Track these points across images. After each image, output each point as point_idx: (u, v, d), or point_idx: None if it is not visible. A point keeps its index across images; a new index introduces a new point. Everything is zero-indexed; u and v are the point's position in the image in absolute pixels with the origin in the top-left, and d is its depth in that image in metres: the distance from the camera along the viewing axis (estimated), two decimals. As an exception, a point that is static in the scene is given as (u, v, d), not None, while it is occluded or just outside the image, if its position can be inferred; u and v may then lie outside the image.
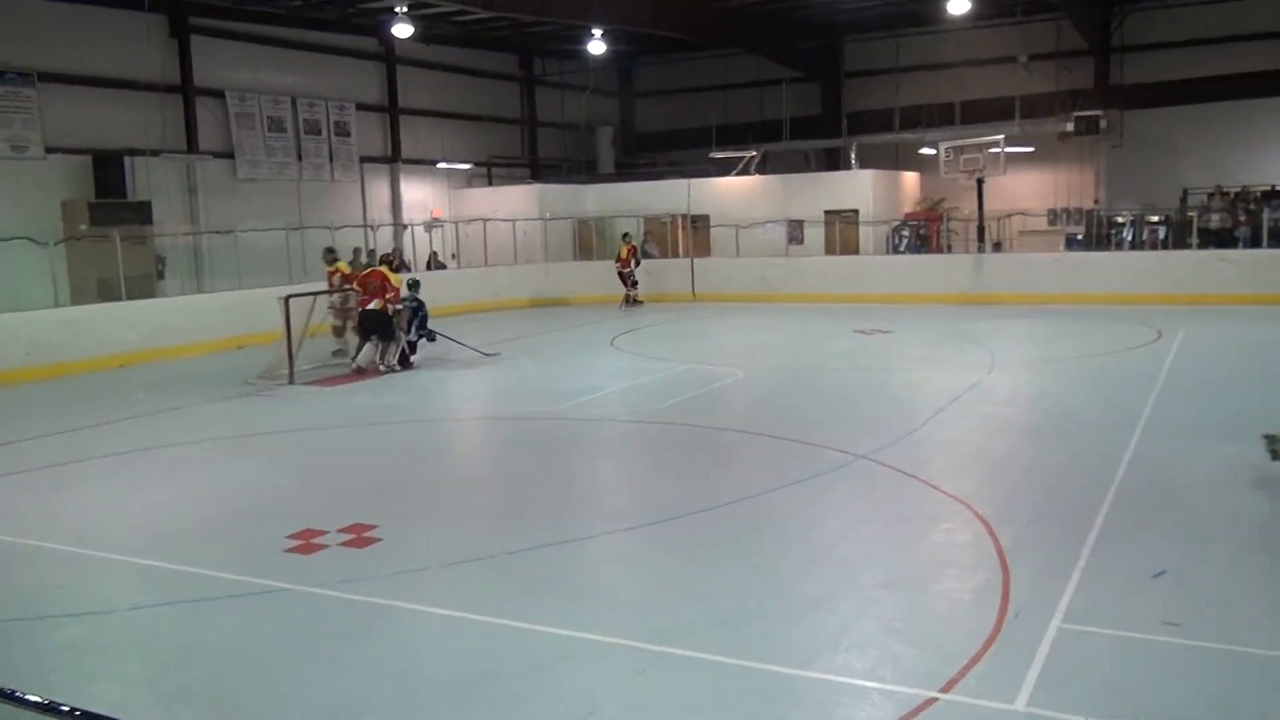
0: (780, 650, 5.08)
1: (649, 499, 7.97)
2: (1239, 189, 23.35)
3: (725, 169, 27.20)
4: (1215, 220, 20.97)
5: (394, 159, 26.40)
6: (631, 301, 22.46)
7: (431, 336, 14.73)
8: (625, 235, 23.14)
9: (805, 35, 28.70)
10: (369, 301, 13.96)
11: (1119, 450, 8.56)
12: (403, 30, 21.29)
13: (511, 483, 8.72)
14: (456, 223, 24.83)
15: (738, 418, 11.08)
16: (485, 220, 24.07)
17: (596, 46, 25.05)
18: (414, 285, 14.87)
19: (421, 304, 14.67)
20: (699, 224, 25.46)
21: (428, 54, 26.56)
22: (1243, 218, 20.76)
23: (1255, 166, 25.34)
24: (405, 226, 24.91)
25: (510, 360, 14.96)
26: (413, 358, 14.59)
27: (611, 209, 26.48)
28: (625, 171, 31.04)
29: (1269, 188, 23.78)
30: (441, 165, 27.27)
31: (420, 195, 27.07)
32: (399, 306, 14.17)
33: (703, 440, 9.90)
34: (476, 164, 28.45)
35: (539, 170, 30.79)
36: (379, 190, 26.17)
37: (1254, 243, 19.96)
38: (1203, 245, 20.42)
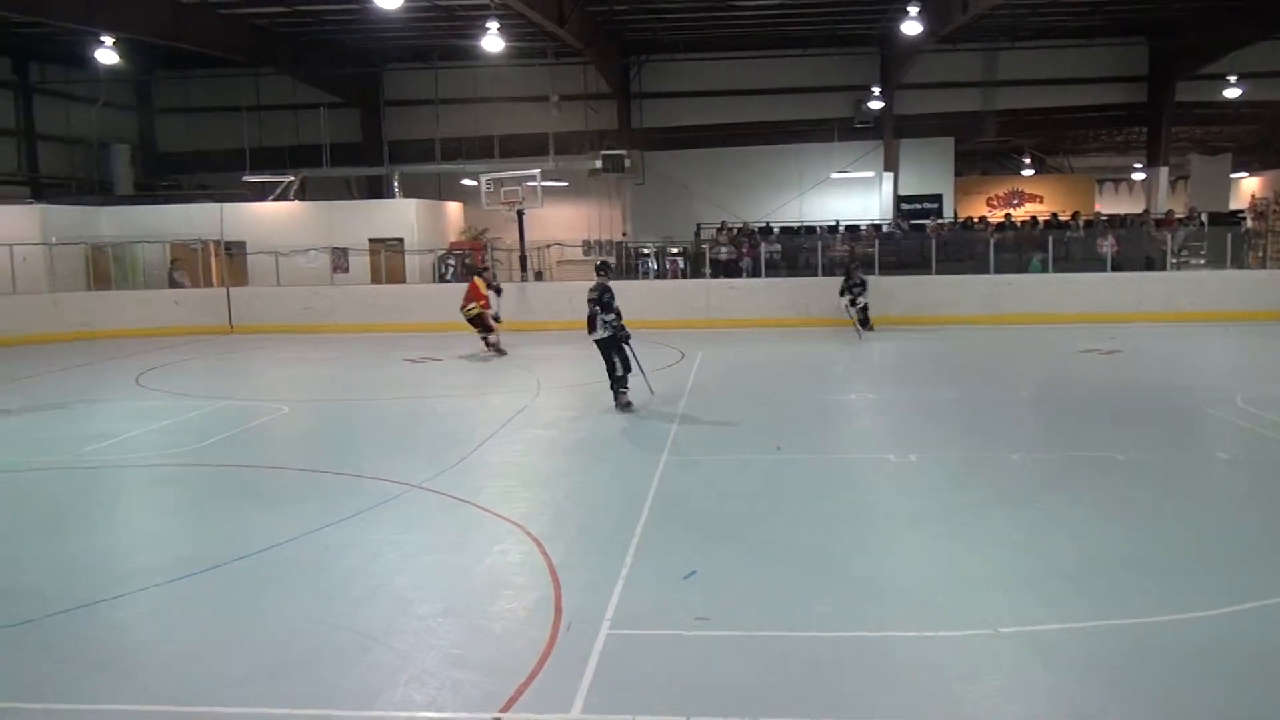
0: (339, 693, 4.88)
1: (185, 549, 7.27)
2: (741, 224, 26.44)
3: (262, 193, 25.90)
4: (723, 253, 23.53)
5: None
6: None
7: None
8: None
9: (343, 60, 28.23)
10: None
11: (653, 463, 9.27)
12: None
13: (12, 545, 7.53)
14: (-66, 247, 21.28)
15: (283, 454, 10.53)
16: (-29, 245, 20.88)
17: (107, 55, 22.76)
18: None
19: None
20: (234, 251, 23.98)
21: (-111, 50, 22.65)
22: (745, 250, 23.50)
23: (753, 205, 28.98)
24: None
25: (6, 401, 13.03)
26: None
27: (132, 234, 24.11)
28: (147, 193, 28.49)
29: (763, 224, 27.21)
30: (-92, 181, 23.30)
31: (-119, 215, 22.88)
32: None
33: (245, 481, 9.27)
34: (-41, 180, 24.67)
35: (41, 189, 27.32)
36: None
37: (755, 272, 22.68)
38: (714, 275, 22.82)
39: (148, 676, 5.21)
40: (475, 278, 18.25)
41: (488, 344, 17.77)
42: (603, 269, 12.49)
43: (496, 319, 17.68)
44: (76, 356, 18.49)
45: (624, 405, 11.96)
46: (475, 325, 17.86)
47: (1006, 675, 5.03)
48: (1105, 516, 7.60)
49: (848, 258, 22.35)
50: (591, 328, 11.93)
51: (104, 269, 23.71)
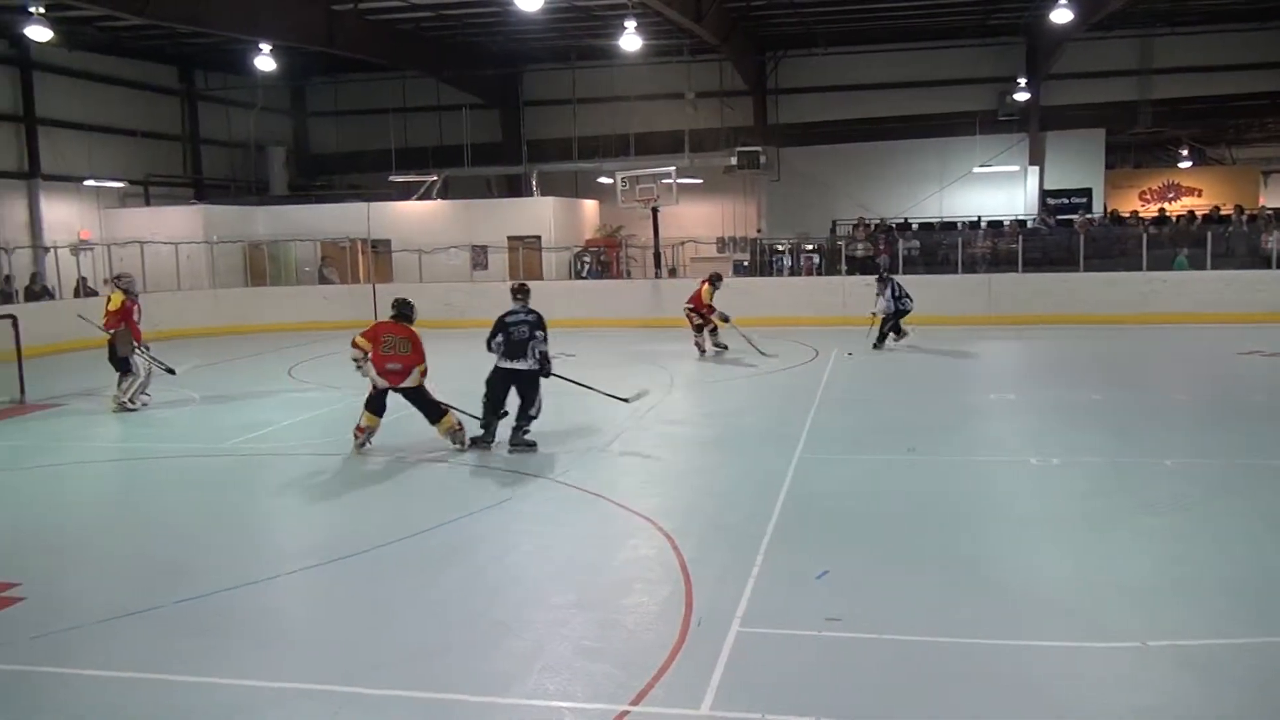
0: (473, 679, 5.01)
1: (331, 534, 7.61)
2: (878, 220, 25.95)
3: (406, 193, 26.78)
4: (860, 249, 23.14)
5: (32, 174, 23.83)
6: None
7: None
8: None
9: (484, 62, 28.89)
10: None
11: (785, 462, 9.20)
12: (40, 33, 19.09)
13: (175, 527, 8.00)
14: (109, 245, 22.66)
15: (423, 446, 10.86)
16: (143, 243, 22.20)
17: (265, 62, 23.85)
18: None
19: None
20: (380, 248, 24.87)
21: (72, 61, 24.24)
22: (882, 246, 23.06)
23: (892, 201, 28.38)
24: (48, 249, 22.47)
25: (172, 392, 13.82)
26: None
27: (285, 232, 25.30)
28: (300, 194, 29.80)
29: (902, 220, 26.65)
30: (90, 182, 24.88)
31: (64, 215, 24.52)
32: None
33: (388, 470, 9.63)
34: (131, 182, 26.22)
35: (203, 190, 28.86)
36: (13, 208, 23.52)
37: (892, 269, 22.20)
38: (850, 272, 22.47)
39: (297, 656, 5.45)
40: (706, 283, 17.73)
41: (701, 341, 17.34)
42: (522, 292, 10.90)
43: (725, 319, 16.96)
44: (234, 349, 19.51)
45: (528, 445, 10.09)
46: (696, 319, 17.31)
47: (1155, 691, 4.81)
48: (1266, 527, 7.18)
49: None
50: (519, 354, 10.33)
51: (260, 266, 24.98)
